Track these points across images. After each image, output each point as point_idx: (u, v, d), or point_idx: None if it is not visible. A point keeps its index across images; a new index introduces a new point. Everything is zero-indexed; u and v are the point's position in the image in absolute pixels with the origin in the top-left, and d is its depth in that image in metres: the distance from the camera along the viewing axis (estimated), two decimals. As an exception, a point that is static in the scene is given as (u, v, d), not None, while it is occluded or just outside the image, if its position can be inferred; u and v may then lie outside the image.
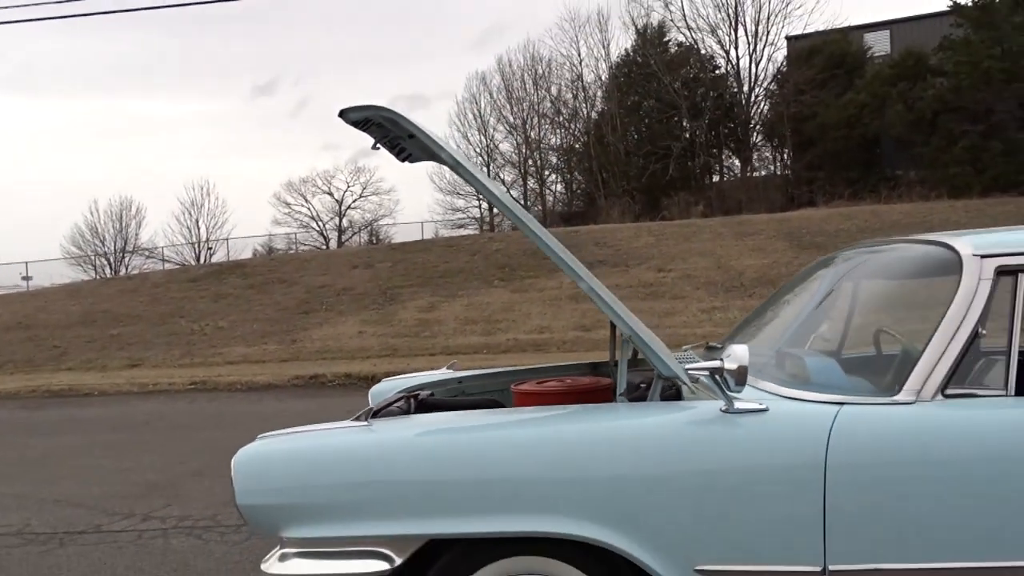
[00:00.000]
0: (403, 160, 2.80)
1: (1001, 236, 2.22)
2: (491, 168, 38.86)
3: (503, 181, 38.93)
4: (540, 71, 36.61)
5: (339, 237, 45.36)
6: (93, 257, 42.46)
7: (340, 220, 45.63)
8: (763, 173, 32.38)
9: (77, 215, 62.99)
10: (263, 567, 2.16)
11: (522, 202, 39.27)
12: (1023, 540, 1.86)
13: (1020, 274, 2.05)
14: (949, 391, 1.99)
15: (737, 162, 33.14)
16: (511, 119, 37.24)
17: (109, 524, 4.61)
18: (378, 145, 2.65)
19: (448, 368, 3.47)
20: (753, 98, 32.18)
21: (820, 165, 28.91)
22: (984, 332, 2.02)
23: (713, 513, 1.94)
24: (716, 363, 1.99)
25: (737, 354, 1.96)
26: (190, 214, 43.68)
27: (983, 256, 2.08)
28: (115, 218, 43.01)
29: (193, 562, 3.87)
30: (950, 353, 1.99)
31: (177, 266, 35.91)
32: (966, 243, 2.13)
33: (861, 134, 27.52)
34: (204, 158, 63.07)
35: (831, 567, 1.89)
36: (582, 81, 35.83)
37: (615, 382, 2.54)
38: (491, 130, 38.39)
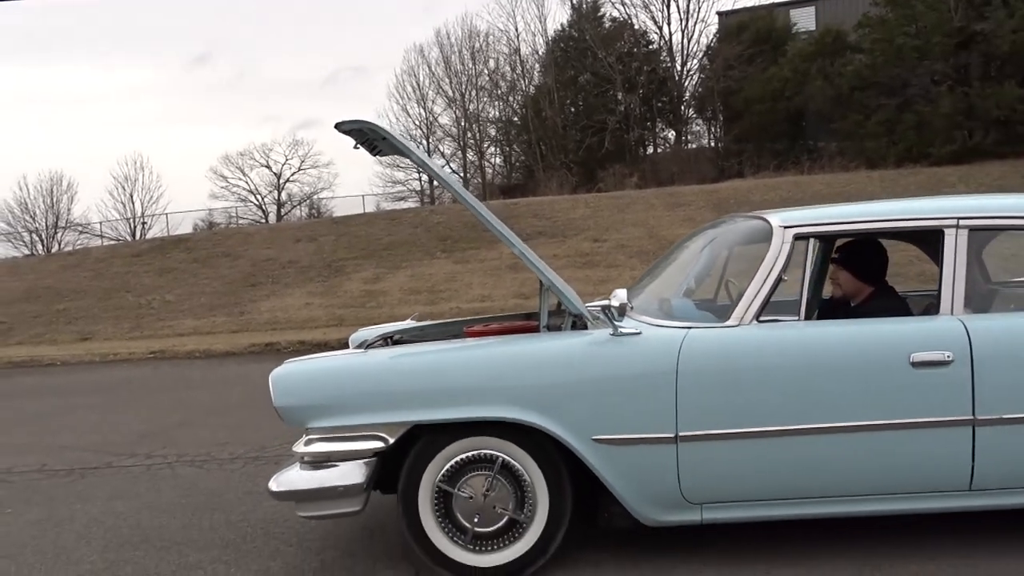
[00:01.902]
0: (375, 155, 3.63)
1: (802, 212, 3.16)
2: (430, 141, 39.36)
3: (442, 154, 39.49)
4: (478, 45, 37.20)
5: (278, 211, 45.33)
6: (24, 233, 41.71)
7: (279, 194, 45.57)
8: (695, 146, 33.63)
9: (5, 190, 61.35)
10: (294, 448, 3.01)
11: (461, 174, 39.93)
12: (811, 409, 2.81)
13: (810, 239, 3.00)
14: (762, 318, 2.93)
15: (670, 135, 34.33)
16: (450, 92, 37.77)
17: (118, 461, 5.34)
18: (358, 146, 3.47)
19: (412, 319, 4.33)
20: (685, 73, 33.33)
21: (748, 138, 30.18)
22: (786, 278, 2.97)
23: (604, 402, 2.83)
24: (605, 301, 2.90)
25: (619, 295, 2.86)
26: (124, 189, 43.23)
27: (786, 227, 3.02)
28: (45, 193, 42.22)
29: (200, 483, 4.64)
30: (762, 293, 2.93)
31: (113, 241, 35.67)
32: (776, 218, 3.07)
33: (785, 108, 28.82)
34: (137, 130, 61.85)
35: (681, 433, 2.82)
36: (519, 55, 36.56)
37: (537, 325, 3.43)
38: (430, 103, 38.87)
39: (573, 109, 33.91)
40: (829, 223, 3.11)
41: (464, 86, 37.35)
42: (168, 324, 17.92)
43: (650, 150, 34.41)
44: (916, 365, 2.79)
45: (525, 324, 3.65)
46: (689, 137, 34.19)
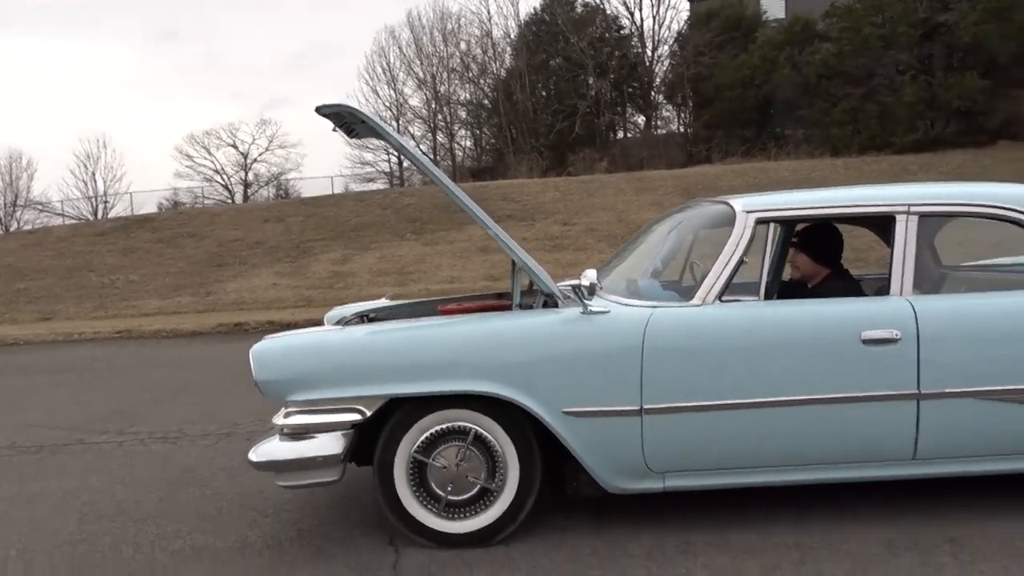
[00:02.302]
0: (352, 137, 3.71)
1: (763, 198, 3.30)
2: (400, 122, 39.18)
3: (412, 136, 39.35)
4: (450, 27, 37.05)
5: (245, 191, 44.84)
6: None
7: (246, 174, 45.06)
8: (664, 131, 33.88)
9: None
10: (273, 420, 3.11)
11: (431, 157, 39.82)
12: (767, 384, 2.95)
13: (771, 223, 3.15)
14: (724, 298, 3.08)
15: (640, 120, 34.53)
16: (420, 74, 37.61)
17: (89, 438, 5.37)
18: (336, 128, 3.54)
19: (386, 299, 4.43)
20: (656, 58, 33.53)
21: (717, 124, 30.48)
22: (747, 260, 3.12)
23: (574, 376, 2.96)
24: (576, 281, 3.02)
25: (589, 275, 2.98)
26: (86, 167, 42.51)
27: (748, 211, 3.16)
28: (3, 171, 41.42)
29: (174, 459, 4.70)
30: (724, 274, 3.07)
31: (75, 220, 35.12)
32: (739, 203, 3.21)
33: (754, 95, 29.14)
34: (101, 107, 60.69)
35: (646, 406, 2.95)
36: (491, 38, 36.48)
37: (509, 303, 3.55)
38: (400, 84, 38.67)
39: (544, 93, 33.97)
40: (789, 208, 3.26)
41: (435, 68, 37.23)
42: (132, 304, 17.78)
43: (620, 135, 34.59)
44: (866, 342, 2.95)
45: (497, 303, 3.76)
46: (659, 123, 34.43)
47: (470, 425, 3.04)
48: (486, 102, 36.33)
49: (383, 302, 4.30)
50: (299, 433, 3.01)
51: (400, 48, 37.88)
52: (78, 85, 62.05)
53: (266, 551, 3.19)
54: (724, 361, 2.97)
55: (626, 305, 3.09)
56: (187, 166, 44.10)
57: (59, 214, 39.26)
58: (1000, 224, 3.21)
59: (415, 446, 3.04)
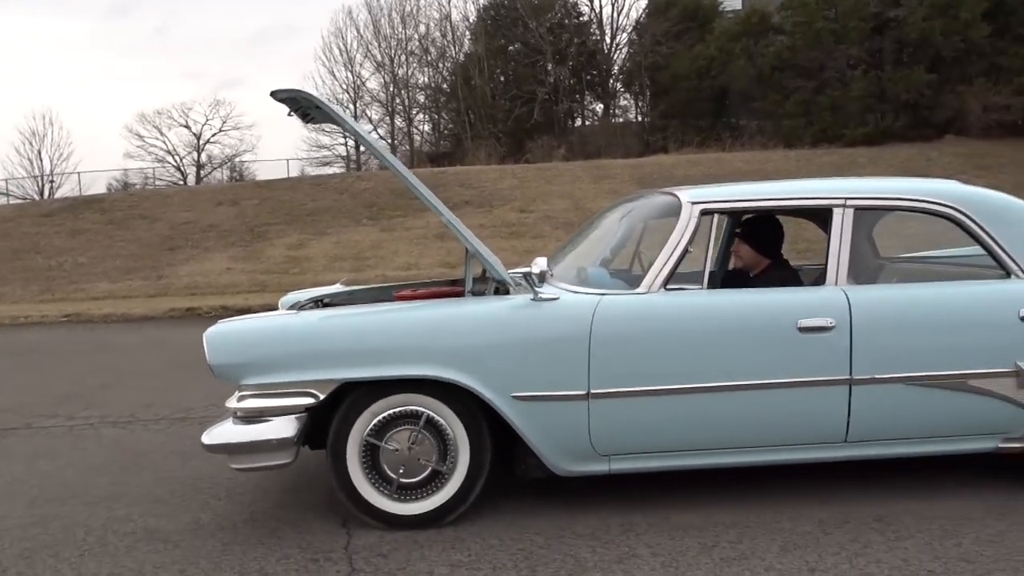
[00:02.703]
0: (307, 122, 3.73)
1: (708, 189, 3.42)
2: (358, 106, 38.85)
3: (370, 119, 39.04)
4: (408, 8, 36.77)
5: (197, 173, 44.06)
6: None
7: (198, 155, 44.30)
8: (622, 120, 34.10)
9: None
10: (227, 404, 3.14)
11: (389, 141, 39.55)
12: (709, 370, 3.07)
13: (715, 214, 3.27)
14: (669, 287, 3.19)
15: (598, 108, 34.69)
16: (378, 56, 37.30)
17: (38, 423, 5.32)
18: (292, 113, 3.57)
19: (341, 284, 4.46)
20: (614, 46, 33.69)
21: (673, 113, 30.76)
22: (692, 250, 3.23)
23: (523, 361, 3.04)
24: (526, 269, 3.10)
25: (539, 263, 3.07)
26: (31, 144, 41.43)
27: (693, 203, 3.27)
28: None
29: (125, 443, 4.69)
30: (669, 263, 3.17)
31: (20, 200, 34.22)
32: (685, 194, 3.32)
33: (709, 86, 29.45)
34: (49, 84, 59.03)
35: (592, 391, 3.05)
36: (450, 21, 36.30)
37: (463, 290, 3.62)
38: (358, 66, 38.31)
39: (503, 78, 33.94)
40: (733, 200, 3.37)
41: (393, 50, 36.95)
42: (81, 287, 17.46)
43: (579, 123, 34.72)
44: (802, 330, 3.08)
45: (452, 289, 3.83)
46: (617, 111, 34.62)
47: (422, 409, 3.11)
48: (445, 86, 36.20)
49: (338, 287, 4.33)
50: (252, 416, 3.05)
51: (358, 29, 37.60)
52: (25, 60, 60.25)
53: (219, 532, 3.23)
54: (667, 347, 3.08)
55: (575, 292, 3.18)
56: (138, 146, 43.32)
57: (3, 193, 38.19)
58: (935, 219, 3.37)
59: (368, 429, 3.11)
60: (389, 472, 3.12)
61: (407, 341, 3.08)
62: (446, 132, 37.22)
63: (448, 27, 36.20)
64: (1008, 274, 3.27)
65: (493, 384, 3.04)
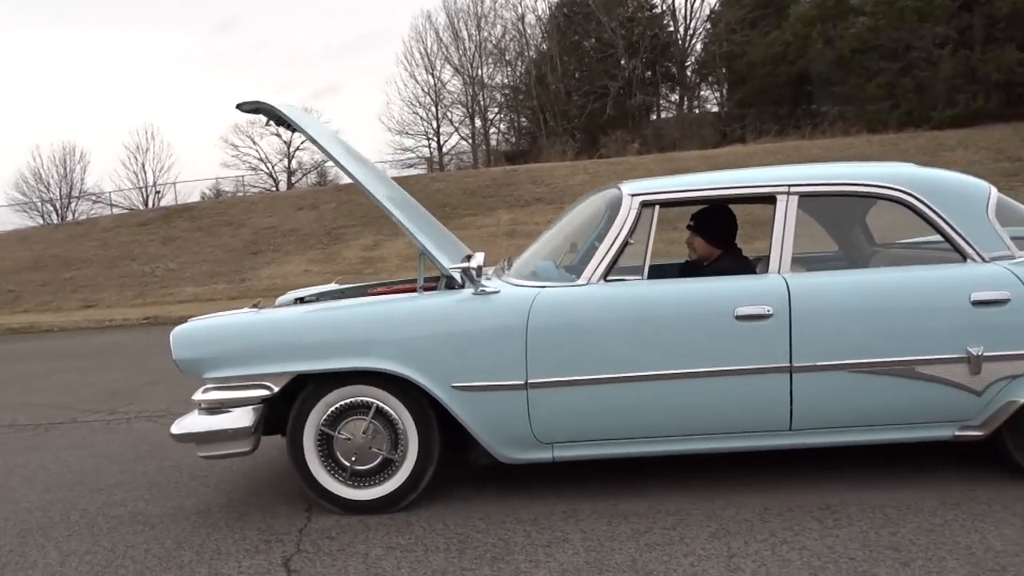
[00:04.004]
0: (292, 131, 3.93)
1: (650, 181, 3.44)
2: (439, 108, 39.51)
3: (451, 121, 39.67)
4: (483, 11, 37.16)
5: (288, 179, 45.69)
6: (39, 203, 42.44)
7: (289, 162, 45.89)
8: (698, 111, 33.57)
9: (20, 161, 62.14)
10: (193, 397, 3.38)
11: (469, 141, 40.08)
12: (647, 359, 3.10)
13: (655, 206, 3.29)
14: (609, 278, 3.23)
15: (674, 100, 34.24)
16: (456, 59, 37.83)
17: (82, 417, 5.75)
18: (270, 123, 3.77)
19: (336, 283, 4.67)
20: (688, 37, 33.18)
21: (750, 102, 30.09)
22: (632, 241, 3.27)
23: (463, 353, 3.15)
24: (465, 264, 3.21)
25: (476, 258, 3.18)
26: (135, 158, 43.77)
27: (633, 195, 3.31)
28: (59, 163, 42.85)
29: (150, 436, 5.02)
30: (609, 255, 3.22)
31: (126, 211, 36.19)
32: (627, 187, 3.36)
33: (787, 72, 28.70)
34: (153, 99, 62.20)
35: (530, 380, 3.14)
36: (524, 22, 36.49)
37: (435, 286, 3.74)
38: (438, 69, 38.93)
39: (577, 75, 33.89)
40: (673, 191, 3.39)
41: (471, 52, 37.41)
42: (170, 291, 18.42)
43: (654, 116, 34.35)
44: (740, 318, 3.08)
45: (413, 287, 3.96)
46: (694, 103, 34.10)
47: (372, 400, 3.26)
48: (520, 85, 36.40)
49: (333, 286, 4.54)
50: (214, 408, 3.27)
51: (437, 32, 38.12)
52: (130, 77, 63.67)
53: (195, 516, 3.46)
54: (605, 337, 3.13)
55: (517, 286, 3.27)
56: (233, 155, 45.15)
57: (110, 204, 40.49)
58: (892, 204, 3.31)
59: (322, 419, 3.28)
60: (343, 460, 3.28)
61: (353, 335, 3.23)
62: (522, 131, 37.43)
63: (522, 27, 36.41)
64: (964, 258, 3.18)
65: (434, 375, 3.16)
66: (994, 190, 3.32)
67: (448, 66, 38.37)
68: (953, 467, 3.40)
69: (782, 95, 29.28)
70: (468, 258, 3.39)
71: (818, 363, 3.08)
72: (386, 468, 3.29)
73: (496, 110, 38.51)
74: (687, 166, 23.31)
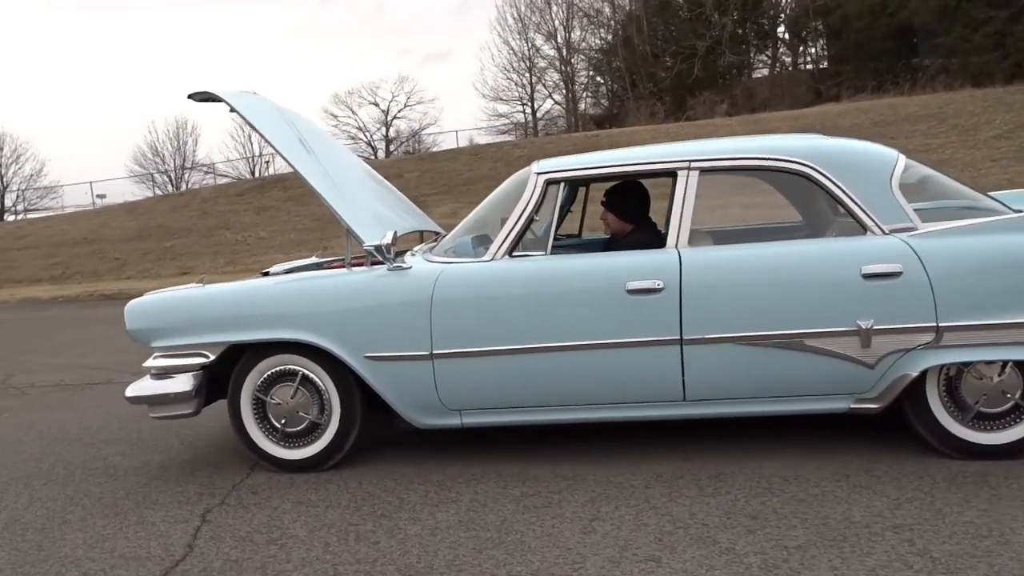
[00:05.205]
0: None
1: (557, 160, 3.51)
2: (532, 73, 39.48)
3: (544, 85, 39.56)
4: (573, -27, 36.65)
5: (387, 147, 46.73)
6: (155, 175, 44.96)
7: (387, 131, 46.89)
8: (791, 69, 32.33)
9: (136, 135, 65.79)
10: (144, 364, 3.73)
11: (563, 106, 39.91)
12: (545, 331, 3.21)
13: (560, 183, 3.39)
14: (514, 253, 3.36)
15: (766, 58, 33.08)
16: (548, 23, 37.61)
17: (118, 378, 6.28)
18: (234, 110, 4.03)
19: (316, 256, 4.96)
20: (781, -9, 31.88)
21: (846, 58, 28.77)
22: (537, 218, 3.39)
23: (374, 326, 3.36)
24: (378, 241, 3.40)
25: (387, 236, 3.37)
26: (242, 130, 45.61)
27: (539, 173, 3.41)
28: (172, 137, 45.22)
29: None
30: (514, 231, 3.35)
31: (231, 181, 37.92)
32: (536, 165, 3.46)
33: (886, 24, 27.25)
34: (265, 69, 64.43)
35: (435, 351, 3.32)
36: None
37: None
38: (532, 33, 38.80)
39: (664, 36, 33.15)
40: (577, 169, 3.46)
41: (564, 15, 37.11)
42: (259, 259, 19.36)
43: (745, 76, 33.29)
44: (631, 292, 3.17)
45: (360, 261, 4.18)
46: (787, 61, 32.85)
47: (298, 368, 3.53)
48: (608, 48, 35.93)
49: (313, 260, 4.82)
50: (161, 374, 3.61)
51: (529, -4, 37.84)
52: (241, 50, 66.17)
53: (155, 470, 3.83)
54: (505, 311, 3.28)
55: (430, 262, 3.45)
56: (333, 125, 46.41)
57: (222, 175, 42.51)
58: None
59: (256, 385, 3.57)
60: (275, 423, 3.57)
61: (279, 309, 3.50)
62: (610, 94, 36.99)
63: (611, -12, 35.76)
64: (865, 230, 3.15)
65: (348, 346, 3.39)
66: (902, 159, 3.26)
67: (543, 29, 38.22)
68: (870, 439, 3.39)
69: (881, 49, 27.81)
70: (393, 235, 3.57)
71: (708, 336, 3.13)
72: (314, 431, 3.56)
73: (585, 74, 38.18)
74: (773, 127, 22.61)
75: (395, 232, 3.41)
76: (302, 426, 3.56)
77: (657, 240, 3.61)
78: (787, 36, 32.31)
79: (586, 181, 3.50)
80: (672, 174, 3.33)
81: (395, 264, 3.42)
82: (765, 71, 33.33)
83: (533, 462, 3.47)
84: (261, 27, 67.49)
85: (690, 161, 3.30)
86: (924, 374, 3.08)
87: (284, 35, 67.37)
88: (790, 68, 32.22)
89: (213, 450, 4.08)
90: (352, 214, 3.60)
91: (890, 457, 3.20)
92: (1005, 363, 3.05)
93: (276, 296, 3.55)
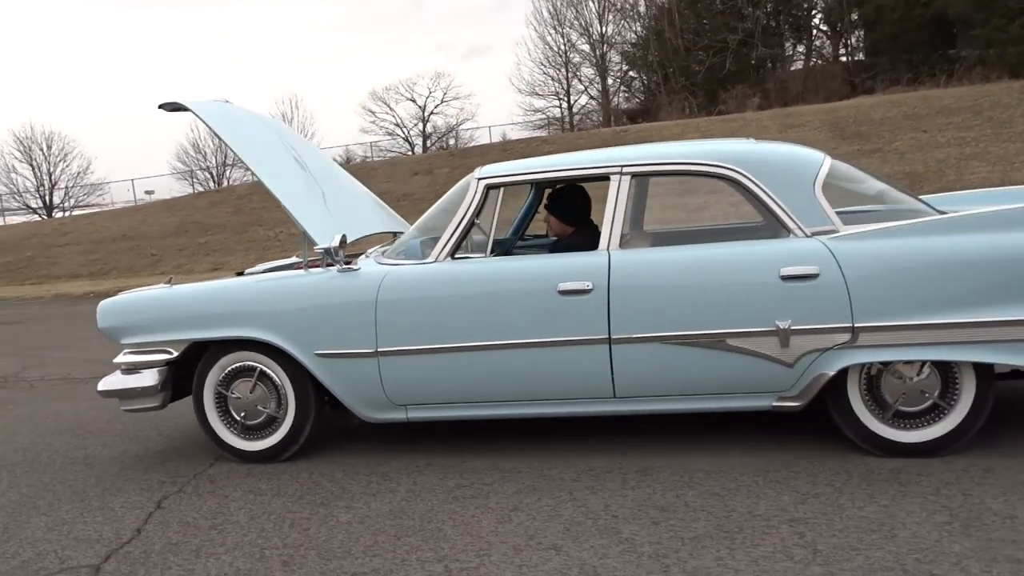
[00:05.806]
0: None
1: (497, 165, 3.64)
2: (568, 68, 39.50)
3: (580, 79, 39.58)
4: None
5: (424, 143, 47.12)
6: (197, 172, 45.89)
7: (424, 126, 47.28)
8: (825, 62, 31.89)
9: (179, 133, 67.13)
10: (115, 360, 3.95)
11: (599, 101, 39.87)
12: (482, 330, 3.35)
13: (499, 188, 3.53)
14: (456, 256, 3.51)
15: (799, 51, 32.67)
16: (586, 16, 37.61)
17: (121, 372, 6.60)
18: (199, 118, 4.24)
19: (297, 256, 5.15)
20: (815, -18, 31.42)
21: (881, 50, 28.30)
22: (478, 222, 3.53)
23: (322, 324, 3.53)
24: (327, 243, 3.58)
25: (336, 239, 3.53)
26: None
27: (479, 178, 3.55)
28: (213, 134, 46.10)
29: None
30: (456, 234, 3.50)
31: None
32: (479, 171, 3.60)
33: (921, 15, 26.73)
34: (302, 65, 65.27)
35: (380, 349, 3.47)
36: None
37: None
38: (567, 27, 38.81)
39: (696, 29, 32.90)
40: (515, 174, 3.59)
41: (600, 9, 37.06)
42: (288, 254, 19.69)
43: (779, 70, 32.90)
44: (562, 293, 3.29)
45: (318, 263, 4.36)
46: (825, 53, 32.39)
47: (256, 364, 3.72)
48: (640, 42, 35.79)
49: (294, 259, 5.02)
50: (129, 369, 3.83)
51: (565, -11, 37.84)
52: (281, 46, 67.13)
53: (129, 460, 4.06)
54: (444, 311, 3.43)
55: (379, 264, 3.62)
56: (371, 122, 47.00)
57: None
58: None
59: (218, 380, 3.78)
60: (235, 415, 3.77)
61: (237, 308, 3.69)
62: (644, 88, 36.83)
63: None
64: (788, 233, 3.23)
65: (299, 343, 3.57)
66: (827, 162, 3.33)
67: (578, 24, 38.21)
68: (801, 436, 3.48)
69: (916, 40, 27.27)
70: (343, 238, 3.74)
71: (634, 335, 3.24)
72: (271, 424, 3.75)
73: (618, 69, 38.07)
74: (804, 121, 22.41)
75: (344, 235, 3.57)
76: (260, 419, 3.75)
77: (596, 243, 3.72)
78: (823, 27, 31.84)
79: (521, 185, 3.62)
80: (606, 178, 3.44)
81: (344, 266, 3.59)
82: (799, 64, 32.91)
83: (476, 455, 3.62)
84: (303, 24, 68.44)
85: (622, 166, 3.41)
86: (845, 373, 3.16)
87: (325, 31, 68.26)
88: (828, 60, 31.76)
89: (187, 442, 4.30)
90: (307, 216, 3.78)
91: (817, 454, 3.29)
92: (924, 363, 3.12)
93: (236, 296, 3.74)
